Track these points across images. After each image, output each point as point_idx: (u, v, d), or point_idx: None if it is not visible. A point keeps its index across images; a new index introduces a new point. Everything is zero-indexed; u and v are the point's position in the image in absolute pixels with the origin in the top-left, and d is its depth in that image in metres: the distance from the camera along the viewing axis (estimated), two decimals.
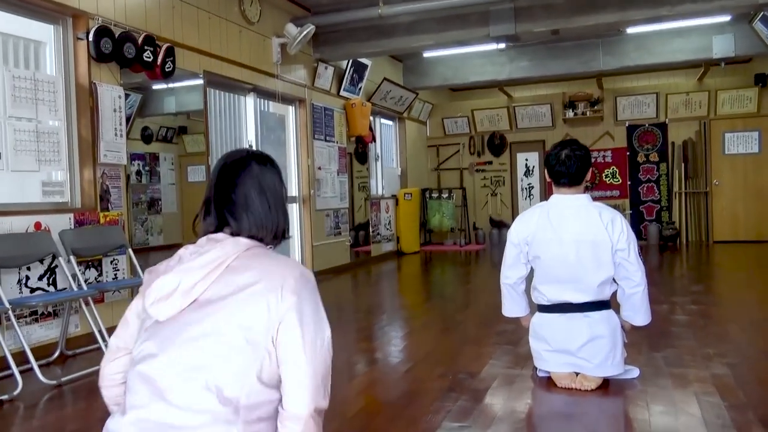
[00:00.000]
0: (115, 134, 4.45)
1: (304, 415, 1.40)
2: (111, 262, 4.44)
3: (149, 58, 4.71)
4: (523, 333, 3.44)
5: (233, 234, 1.52)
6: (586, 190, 3.14)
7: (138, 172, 6.92)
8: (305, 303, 1.45)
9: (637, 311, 2.98)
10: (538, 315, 3.05)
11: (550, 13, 6.50)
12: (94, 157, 4.32)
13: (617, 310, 3.00)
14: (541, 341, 2.99)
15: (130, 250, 4.42)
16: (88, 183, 4.31)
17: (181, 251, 1.53)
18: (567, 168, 2.97)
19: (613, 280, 2.96)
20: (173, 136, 7.22)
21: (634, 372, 3.02)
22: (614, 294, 3.01)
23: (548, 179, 3.11)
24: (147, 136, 6.06)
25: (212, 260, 1.47)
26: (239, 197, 1.52)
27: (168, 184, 7.37)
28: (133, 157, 6.81)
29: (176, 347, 1.44)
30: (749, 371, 3.12)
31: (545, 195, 10.61)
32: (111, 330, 4.26)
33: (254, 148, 6.41)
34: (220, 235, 1.51)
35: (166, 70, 4.92)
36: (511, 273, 3.10)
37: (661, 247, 9.32)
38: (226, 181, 1.53)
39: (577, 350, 2.86)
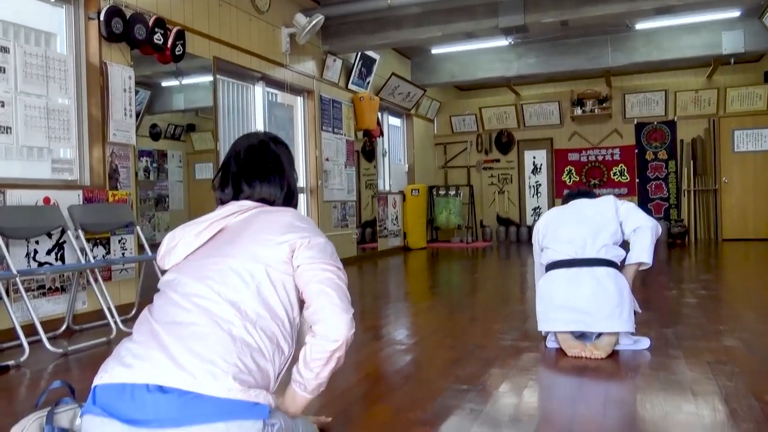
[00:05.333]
0: (125, 114, 4.47)
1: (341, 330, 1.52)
2: (119, 241, 4.44)
3: (159, 40, 4.74)
4: (532, 312, 3.42)
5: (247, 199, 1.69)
6: (594, 187, 3.35)
7: (146, 169, 6.95)
8: (314, 237, 1.58)
9: (642, 245, 2.97)
10: (543, 277, 3.04)
11: (559, 4, 6.50)
12: (103, 136, 4.34)
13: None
14: (546, 300, 2.97)
15: (138, 228, 4.43)
16: (97, 161, 4.33)
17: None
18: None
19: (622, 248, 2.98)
20: (181, 134, 7.24)
21: (645, 342, 2.99)
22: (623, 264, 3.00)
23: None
24: (155, 134, 6.09)
25: (219, 214, 1.63)
26: (258, 170, 1.69)
27: (176, 181, 7.39)
28: (141, 153, 6.84)
29: (188, 271, 1.54)
30: (761, 342, 3.09)
31: (553, 193, 10.58)
32: (119, 308, 4.29)
33: None
34: (233, 202, 1.68)
35: (176, 53, 4.94)
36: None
37: (670, 245, 9.26)
38: (249, 156, 1.71)
39: (583, 304, 2.83)
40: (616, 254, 2.97)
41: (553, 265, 3.00)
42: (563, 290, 2.90)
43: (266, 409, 1.35)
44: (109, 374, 1.35)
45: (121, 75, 4.44)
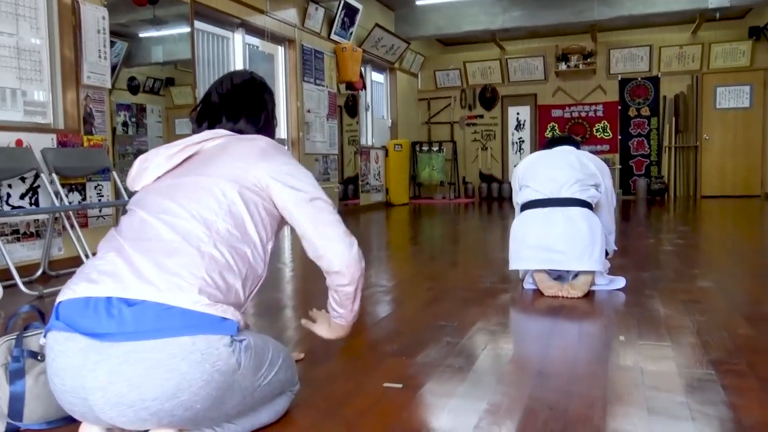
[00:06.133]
0: (99, 56, 4.35)
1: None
2: (95, 187, 4.37)
3: None
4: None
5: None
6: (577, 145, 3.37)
7: (124, 123, 6.80)
8: (294, 167, 1.57)
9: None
10: (518, 217, 3.06)
11: None
12: (77, 79, 4.22)
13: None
14: (518, 240, 2.99)
15: (114, 173, 4.35)
16: (71, 104, 4.22)
17: None
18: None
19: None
20: (161, 88, 7.07)
21: (620, 282, 3.03)
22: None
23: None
24: (133, 87, 5.95)
25: (193, 138, 1.60)
26: (241, 106, 1.67)
27: (155, 136, 7.26)
28: (119, 107, 6.68)
29: (158, 190, 1.53)
30: (733, 284, 3.14)
31: (536, 149, 10.55)
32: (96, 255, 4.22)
33: None
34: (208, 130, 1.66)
35: None
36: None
37: (649, 201, 9.35)
38: (234, 91, 1.70)
39: (554, 243, 2.85)
40: (590, 195, 2.97)
41: (527, 205, 3.02)
42: (536, 229, 2.92)
43: (234, 325, 1.33)
44: (72, 290, 1.32)
45: (95, 15, 4.30)
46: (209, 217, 1.42)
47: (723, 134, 9.66)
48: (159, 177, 1.56)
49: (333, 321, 1.70)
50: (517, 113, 10.72)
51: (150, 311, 1.27)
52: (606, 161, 10.10)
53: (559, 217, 2.88)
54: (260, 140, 1.61)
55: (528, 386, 1.73)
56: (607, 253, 3.06)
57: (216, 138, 1.61)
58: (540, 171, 3.05)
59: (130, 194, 1.63)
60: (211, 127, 1.68)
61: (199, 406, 1.28)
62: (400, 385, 1.75)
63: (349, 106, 8.78)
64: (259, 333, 1.53)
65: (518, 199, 3.14)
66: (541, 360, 1.99)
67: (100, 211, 4.35)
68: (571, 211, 2.88)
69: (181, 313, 1.28)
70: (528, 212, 3.00)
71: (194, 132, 1.70)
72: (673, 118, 9.84)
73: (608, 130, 10.20)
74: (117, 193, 4.48)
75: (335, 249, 1.53)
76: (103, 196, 4.43)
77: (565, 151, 3.13)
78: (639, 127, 10.07)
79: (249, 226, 1.46)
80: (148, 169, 1.57)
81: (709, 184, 9.76)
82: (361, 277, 1.59)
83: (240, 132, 1.66)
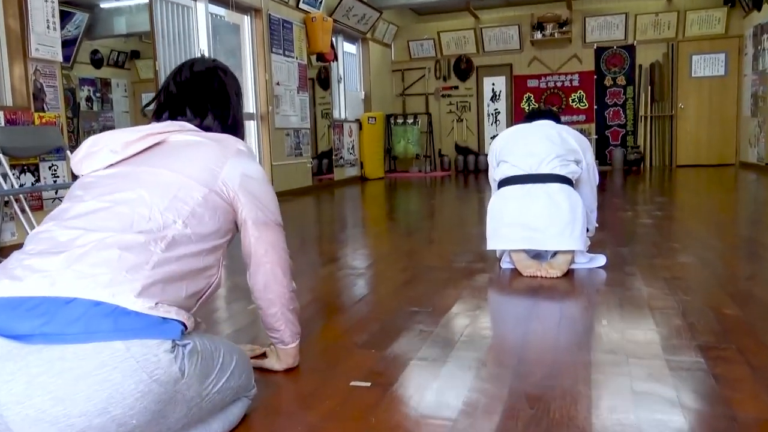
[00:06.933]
0: (48, 27, 4.06)
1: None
2: (50, 167, 4.13)
3: None
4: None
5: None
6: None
7: (88, 99, 6.49)
8: (260, 182, 1.50)
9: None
10: (496, 194, 2.92)
11: None
12: (24, 51, 3.95)
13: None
14: (496, 217, 2.85)
15: (68, 152, 4.11)
16: (18, 79, 3.95)
17: None
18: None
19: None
20: (125, 61, 6.76)
21: (601, 260, 2.91)
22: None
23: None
24: (97, 60, 5.66)
25: (157, 127, 1.44)
26: (202, 97, 1.53)
27: (121, 111, 6.96)
28: (82, 81, 6.37)
29: (111, 176, 1.37)
30: (715, 258, 3.05)
31: (512, 121, 10.44)
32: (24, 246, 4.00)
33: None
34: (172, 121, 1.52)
35: None
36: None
37: (626, 172, 9.31)
38: (193, 80, 1.55)
39: (533, 220, 2.72)
40: (571, 171, 2.84)
41: (505, 182, 2.87)
42: (514, 207, 2.78)
43: (177, 327, 1.17)
44: None
45: None
46: (168, 216, 1.27)
47: (698, 103, 9.62)
48: (111, 165, 1.38)
49: (277, 349, 1.67)
50: (493, 84, 10.55)
51: (79, 310, 1.10)
52: (582, 131, 10.02)
53: (539, 194, 2.74)
54: (234, 143, 1.48)
55: (507, 381, 1.60)
56: (587, 231, 2.95)
57: (183, 131, 1.46)
58: (519, 145, 2.89)
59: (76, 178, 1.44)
60: (172, 118, 1.51)
61: (135, 421, 1.12)
62: (368, 384, 1.61)
63: (321, 79, 8.52)
64: (207, 333, 1.38)
65: (495, 175, 2.99)
66: (521, 349, 1.86)
67: (56, 192, 4.12)
68: (551, 187, 2.74)
69: (115, 312, 1.11)
70: (506, 189, 2.86)
71: (152, 122, 1.54)
72: (649, 87, 9.76)
73: (584, 100, 10.09)
74: (73, 174, 4.24)
75: (275, 275, 1.54)
76: (58, 177, 4.19)
77: (545, 125, 2.97)
78: (615, 97, 9.98)
79: (207, 231, 1.33)
80: (98, 153, 1.39)
81: (684, 154, 9.74)
82: (287, 301, 1.58)
83: (208, 129, 1.52)
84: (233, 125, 1.59)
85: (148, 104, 1.61)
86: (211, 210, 1.35)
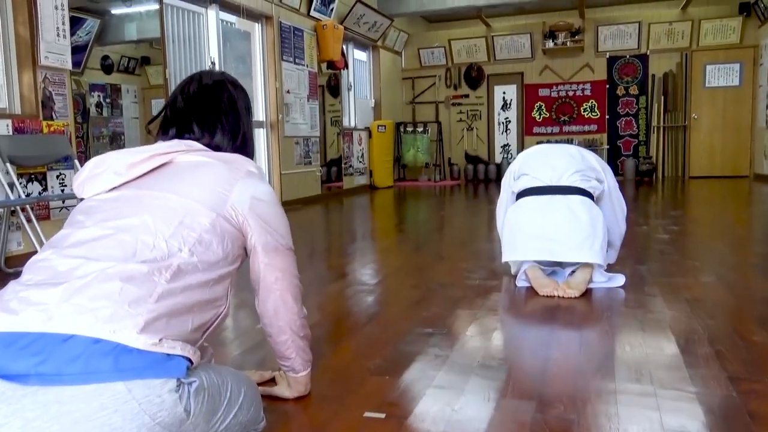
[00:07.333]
0: (58, 34, 4.03)
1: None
2: (57, 176, 4.08)
3: None
4: (500, 250, 3.24)
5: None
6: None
7: (98, 104, 6.46)
8: (271, 206, 1.43)
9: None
10: (514, 205, 2.86)
11: None
12: (33, 59, 3.90)
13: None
14: (514, 228, 2.79)
15: (77, 161, 4.06)
16: (27, 87, 3.91)
17: None
18: None
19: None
20: (136, 67, 6.73)
21: (620, 279, 2.83)
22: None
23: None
24: (107, 66, 5.63)
25: (163, 147, 1.36)
26: (210, 111, 1.47)
27: (131, 117, 6.93)
28: (92, 87, 6.33)
29: (114, 200, 1.30)
30: (737, 278, 2.96)
31: (522, 130, 10.36)
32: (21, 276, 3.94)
33: (216, 66, 6.00)
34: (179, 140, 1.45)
35: None
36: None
37: (638, 183, 9.19)
38: (201, 94, 1.48)
39: (552, 231, 2.65)
40: (592, 186, 2.78)
41: (524, 193, 2.82)
42: (533, 217, 2.73)
43: (183, 364, 1.10)
44: None
45: None
46: (174, 243, 1.19)
47: (712, 114, 9.49)
48: (115, 188, 1.31)
49: (288, 376, 1.61)
50: (504, 92, 10.47)
51: (78, 348, 1.03)
52: (593, 141, 9.94)
53: (559, 205, 2.68)
54: (243, 164, 1.40)
55: (529, 414, 1.52)
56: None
57: (191, 151, 1.38)
58: (539, 161, 2.87)
59: (79, 201, 1.38)
60: (179, 136, 1.44)
61: None
62: (382, 415, 1.54)
63: (331, 86, 8.47)
64: (212, 362, 1.31)
65: (514, 187, 2.93)
66: (542, 378, 1.78)
67: (63, 202, 4.07)
68: (571, 199, 2.68)
69: (116, 350, 1.04)
70: (524, 200, 2.80)
71: (157, 140, 1.47)
72: (662, 97, 9.64)
73: (596, 110, 9.99)
74: None
75: (286, 320, 1.49)
76: (66, 185, 4.14)
77: (566, 145, 3.02)
78: (627, 107, 9.87)
79: (215, 259, 1.26)
80: (101, 175, 1.31)
81: (697, 165, 9.61)
82: (298, 328, 1.53)
83: (217, 148, 1.45)
84: (243, 143, 1.52)
85: (153, 119, 1.54)
86: (219, 236, 1.27)
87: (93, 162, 1.34)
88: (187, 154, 1.37)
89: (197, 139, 1.44)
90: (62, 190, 4.09)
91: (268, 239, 1.41)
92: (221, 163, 1.37)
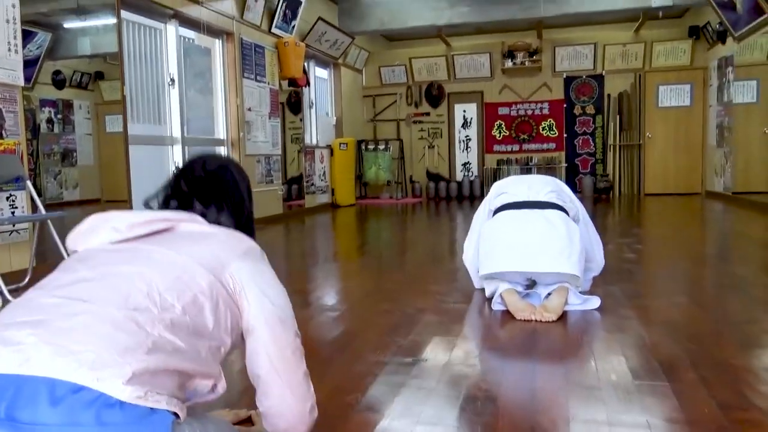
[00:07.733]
0: (9, 49, 3.84)
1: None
2: (8, 198, 3.87)
3: None
4: (469, 276, 3.21)
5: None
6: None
7: (49, 120, 6.22)
8: (274, 288, 1.32)
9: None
10: (491, 219, 2.87)
11: None
12: None
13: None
14: (491, 240, 2.79)
15: (29, 182, 3.86)
16: None
17: None
18: None
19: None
20: (89, 82, 6.51)
21: (595, 301, 2.81)
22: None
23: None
24: (59, 81, 5.44)
25: (168, 214, 1.33)
26: (216, 195, 1.44)
27: (84, 134, 6.69)
28: (42, 103, 6.09)
29: (111, 252, 1.24)
30: (708, 299, 2.98)
31: (483, 148, 10.45)
32: (9, 275, 3.74)
33: (176, 83, 5.84)
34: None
35: None
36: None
37: (595, 200, 9.36)
38: (207, 178, 1.45)
39: (530, 242, 2.65)
40: (568, 206, 2.85)
41: (501, 208, 2.85)
42: (511, 228, 2.74)
43: (168, 419, 0.99)
44: None
45: (2, 2, 3.79)
46: (168, 298, 1.10)
47: (665, 132, 9.77)
48: (112, 243, 1.25)
49: None
50: (464, 111, 10.56)
51: (56, 395, 0.92)
52: (552, 159, 10.10)
53: (536, 216, 2.72)
54: (249, 240, 1.35)
55: None
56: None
57: (194, 223, 1.33)
58: (515, 183, 2.94)
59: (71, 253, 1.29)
60: (181, 208, 1.39)
61: None
62: None
63: (291, 103, 8.38)
64: (200, 414, 1.20)
65: (491, 206, 2.94)
66: (531, 411, 1.72)
67: (13, 225, 3.85)
68: (548, 212, 2.73)
69: (97, 402, 0.93)
70: (502, 213, 2.83)
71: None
72: (618, 116, 9.88)
73: (554, 128, 10.16)
74: (33, 205, 3.98)
75: (287, 402, 1.29)
76: (17, 207, 3.93)
77: (541, 175, 3.05)
78: (584, 125, 10.07)
79: (209, 323, 1.16)
80: (100, 230, 1.26)
81: (652, 182, 9.85)
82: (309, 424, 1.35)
83: (219, 225, 1.40)
84: (246, 223, 1.49)
85: (150, 199, 1.45)
86: (213, 302, 1.17)
87: (93, 218, 1.30)
88: (191, 224, 1.32)
89: (202, 215, 1.39)
90: (12, 213, 3.88)
91: (270, 308, 1.28)
92: (225, 234, 1.32)
